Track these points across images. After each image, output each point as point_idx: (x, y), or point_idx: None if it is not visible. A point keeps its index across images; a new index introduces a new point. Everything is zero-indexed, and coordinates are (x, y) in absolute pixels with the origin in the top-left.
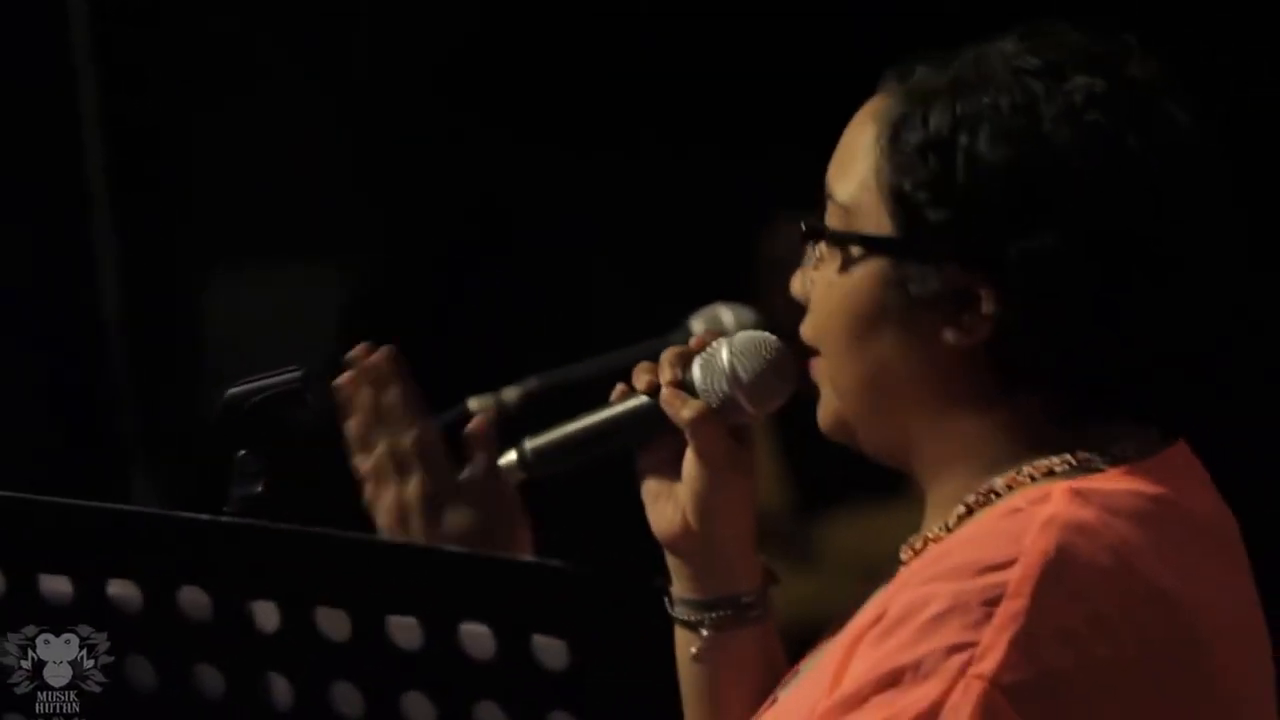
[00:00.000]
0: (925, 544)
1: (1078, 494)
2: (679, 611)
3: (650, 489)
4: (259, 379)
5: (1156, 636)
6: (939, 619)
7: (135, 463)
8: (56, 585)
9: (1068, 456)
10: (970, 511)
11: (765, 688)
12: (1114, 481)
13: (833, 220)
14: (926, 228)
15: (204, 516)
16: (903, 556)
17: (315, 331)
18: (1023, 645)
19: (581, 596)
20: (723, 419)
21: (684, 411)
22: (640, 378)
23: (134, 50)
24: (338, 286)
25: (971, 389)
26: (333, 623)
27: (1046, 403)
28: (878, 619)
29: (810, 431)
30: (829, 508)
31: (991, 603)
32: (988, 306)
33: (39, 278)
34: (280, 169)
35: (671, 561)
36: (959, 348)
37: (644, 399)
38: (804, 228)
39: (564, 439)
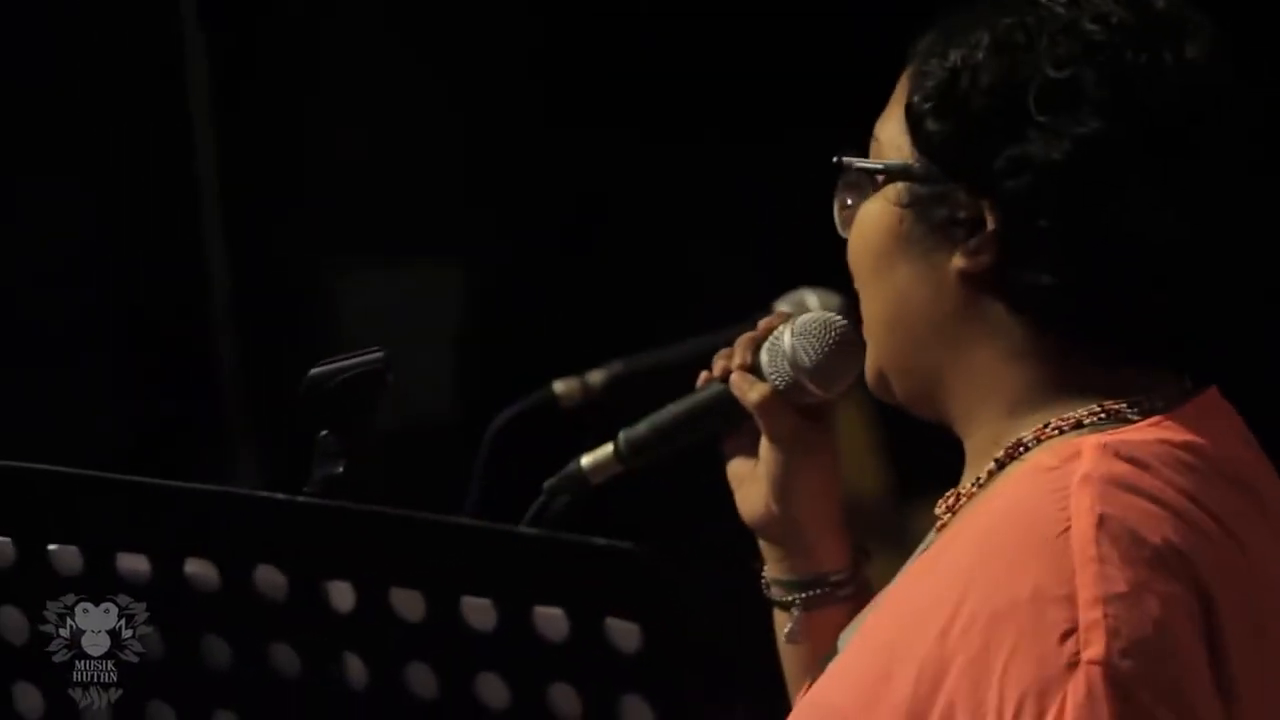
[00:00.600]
0: (958, 499)
1: (1107, 448)
2: (773, 593)
3: (735, 473)
4: (341, 359)
5: (1207, 575)
6: (1027, 622)
7: (242, 448)
8: (134, 564)
9: (1094, 406)
10: (1001, 466)
11: None
12: (1144, 432)
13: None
14: (932, 144)
15: (280, 496)
16: (938, 511)
17: (410, 318)
18: (1114, 612)
19: (655, 580)
20: (790, 401)
21: (751, 395)
22: (717, 364)
23: (244, 44)
24: (429, 272)
25: (986, 320)
26: (407, 603)
27: (1062, 337)
28: (947, 621)
29: (909, 421)
30: (929, 497)
31: (1066, 580)
32: (990, 224)
33: (150, 270)
34: (384, 162)
35: (762, 543)
36: (969, 273)
37: (721, 385)
38: (835, 161)
39: (653, 429)
